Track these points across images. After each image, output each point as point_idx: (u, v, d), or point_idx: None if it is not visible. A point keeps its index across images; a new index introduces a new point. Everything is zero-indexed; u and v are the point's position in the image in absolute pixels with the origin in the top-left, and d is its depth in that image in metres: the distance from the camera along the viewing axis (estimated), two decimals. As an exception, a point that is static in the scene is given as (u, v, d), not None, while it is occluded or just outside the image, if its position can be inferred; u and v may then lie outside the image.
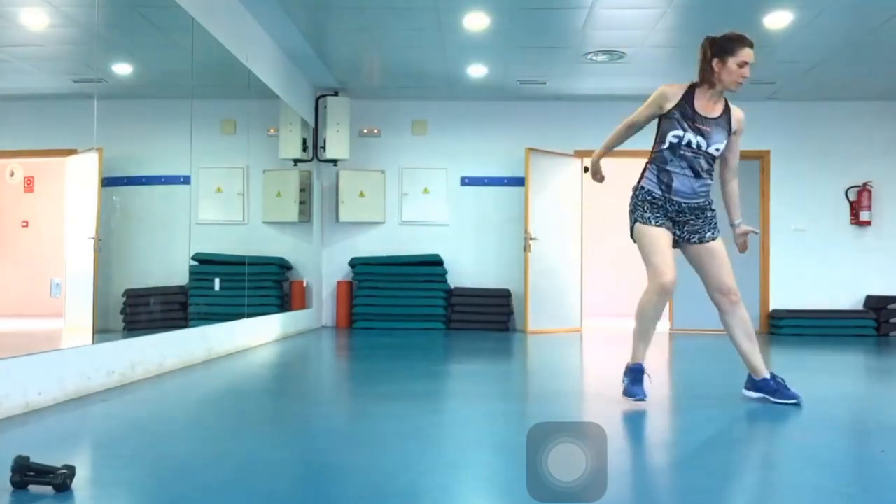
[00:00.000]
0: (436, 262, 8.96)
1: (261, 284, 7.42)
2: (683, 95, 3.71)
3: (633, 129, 3.90)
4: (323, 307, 9.29)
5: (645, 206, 3.75)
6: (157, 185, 5.60)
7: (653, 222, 3.71)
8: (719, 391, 4.50)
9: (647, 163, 3.82)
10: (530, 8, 6.27)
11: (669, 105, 3.72)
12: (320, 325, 9.18)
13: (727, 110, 3.75)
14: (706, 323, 9.13)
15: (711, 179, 3.78)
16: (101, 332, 4.66)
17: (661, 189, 3.72)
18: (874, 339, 8.43)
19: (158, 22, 5.33)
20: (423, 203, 9.31)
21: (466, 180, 9.25)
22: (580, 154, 9.10)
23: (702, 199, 3.77)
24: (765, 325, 9.13)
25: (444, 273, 8.96)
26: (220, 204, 6.85)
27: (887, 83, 8.33)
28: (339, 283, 9.17)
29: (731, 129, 3.75)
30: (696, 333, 8.86)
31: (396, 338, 7.64)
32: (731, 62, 3.63)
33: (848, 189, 9.14)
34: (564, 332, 8.72)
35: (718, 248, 3.82)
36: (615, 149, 4.02)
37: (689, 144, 3.66)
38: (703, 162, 3.69)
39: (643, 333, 3.83)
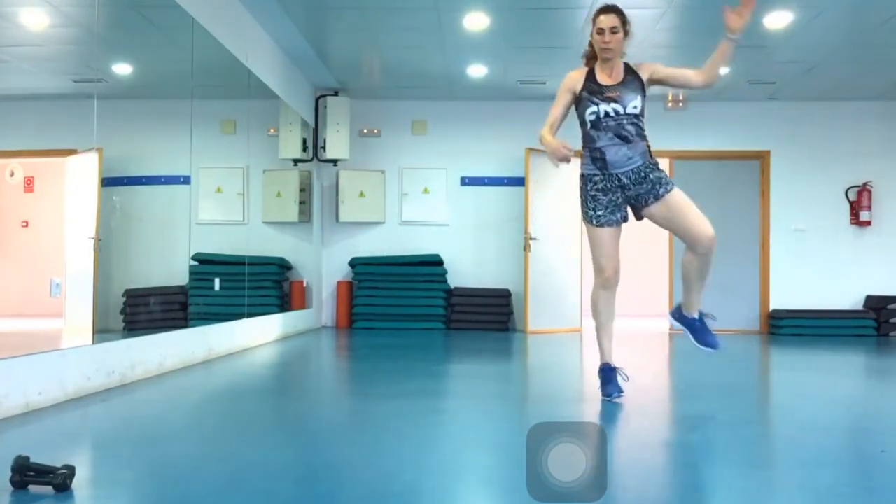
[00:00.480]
0: (436, 262, 8.96)
1: (261, 284, 7.42)
2: (587, 75, 3.83)
3: (556, 125, 3.91)
4: (323, 307, 9.29)
5: (588, 200, 3.83)
6: (157, 185, 5.60)
7: (594, 222, 3.81)
8: (719, 391, 4.50)
9: (582, 149, 3.89)
10: (530, 8, 6.27)
11: (578, 87, 3.82)
12: (320, 325, 9.18)
13: (630, 71, 3.83)
14: (706, 323, 9.17)
15: (644, 140, 3.79)
16: (101, 332, 4.66)
17: (597, 168, 3.80)
18: (874, 339, 8.43)
19: (158, 22, 5.33)
20: (423, 203, 9.31)
21: (466, 180, 9.25)
22: (580, 154, 9.08)
23: (639, 163, 3.77)
24: (765, 325, 9.13)
25: (444, 273, 8.96)
26: (220, 204, 6.85)
27: (887, 83, 8.33)
28: (339, 283, 9.17)
29: (643, 81, 3.82)
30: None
31: (396, 338, 7.64)
32: (594, 32, 3.78)
33: (848, 189, 9.14)
34: (564, 332, 8.72)
35: (676, 199, 3.76)
36: None
37: (607, 115, 3.75)
38: (627, 125, 3.75)
39: (601, 329, 3.92)
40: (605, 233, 3.81)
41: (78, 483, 2.25)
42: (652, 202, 3.76)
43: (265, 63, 7.00)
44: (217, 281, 6.38)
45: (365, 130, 9.35)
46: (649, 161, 3.78)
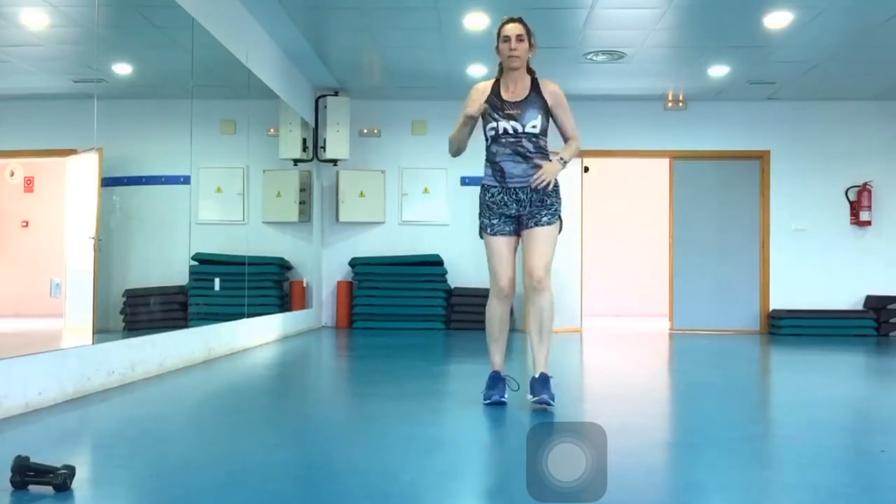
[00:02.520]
0: (436, 262, 8.96)
1: (261, 284, 7.42)
2: (491, 89, 3.79)
3: (463, 142, 3.90)
4: (323, 307, 9.29)
5: (484, 209, 3.81)
6: (157, 185, 5.59)
7: (489, 231, 3.80)
8: (718, 391, 4.50)
9: (485, 160, 3.85)
10: (530, 8, 6.26)
11: (484, 99, 3.77)
12: (320, 325, 9.18)
13: (535, 87, 3.76)
14: (706, 323, 9.17)
15: (546, 158, 3.74)
16: (101, 332, 4.66)
17: (496, 180, 3.76)
18: (874, 339, 8.43)
19: (158, 22, 5.33)
20: (423, 203, 9.31)
21: (466, 180, 9.25)
22: (580, 154, 9.10)
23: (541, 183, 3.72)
24: (765, 325, 9.13)
25: (444, 273, 8.96)
26: (220, 204, 6.85)
27: (887, 83, 8.33)
28: (339, 283, 9.17)
29: (545, 102, 3.75)
30: (696, 333, 8.87)
31: (396, 338, 7.64)
32: (500, 43, 3.75)
33: (848, 189, 9.14)
34: (564, 332, 8.71)
35: (543, 232, 3.74)
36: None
37: (505, 132, 3.71)
38: (526, 143, 3.71)
39: (494, 342, 3.89)
40: (501, 242, 3.79)
41: (78, 483, 2.24)
42: (531, 226, 3.75)
43: (265, 63, 7.00)
44: (217, 281, 6.38)
45: (365, 130, 9.35)
46: (555, 186, 3.75)
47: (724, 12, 6.28)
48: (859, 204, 9.04)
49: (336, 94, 9.00)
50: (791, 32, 6.68)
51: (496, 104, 3.74)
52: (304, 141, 8.58)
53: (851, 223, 9.14)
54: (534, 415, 3.56)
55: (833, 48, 7.14)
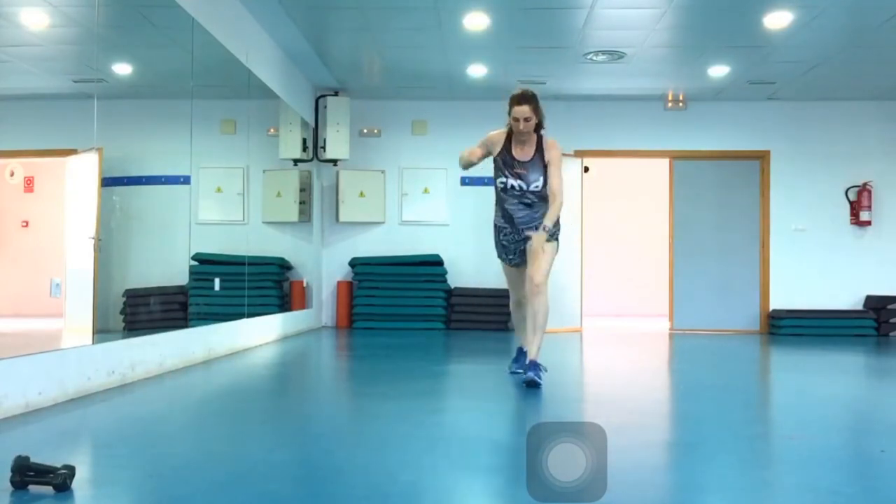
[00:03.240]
0: (436, 262, 8.96)
1: (261, 284, 7.42)
2: (504, 143, 4.41)
3: (476, 158, 4.49)
4: (323, 307, 9.29)
5: (500, 246, 4.61)
6: (157, 185, 5.59)
7: (510, 263, 4.63)
8: (718, 391, 4.50)
9: (496, 203, 4.58)
10: (530, 8, 6.27)
11: (496, 150, 4.43)
12: (320, 325, 9.18)
13: (539, 147, 4.38)
14: (706, 323, 9.17)
15: (545, 201, 4.40)
16: (101, 332, 4.66)
17: (505, 221, 4.51)
18: (874, 339, 8.43)
19: (158, 22, 5.33)
20: (423, 203, 9.31)
21: (466, 180, 9.24)
22: (580, 154, 9.10)
23: (540, 221, 4.41)
24: (765, 325, 9.13)
25: (444, 273, 8.96)
26: (220, 204, 6.85)
27: (887, 83, 8.33)
28: (339, 283, 9.17)
29: (545, 162, 4.37)
30: (696, 333, 8.86)
31: (396, 338, 7.64)
32: (510, 119, 4.35)
33: (848, 189, 9.14)
34: (564, 332, 8.71)
35: (541, 241, 4.34)
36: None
37: (513, 188, 4.39)
38: (530, 196, 4.40)
39: (517, 326, 4.88)
40: (515, 272, 4.64)
41: (78, 483, 2.25)
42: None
43: (265, 63, 7.00)
44: (217, 281, 6.38)
45: (365, 130, 9.35)
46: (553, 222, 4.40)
47: (724, 12, 6.27)
48: (859, 204, 9.04)
49: (336, 94, 9.00)
50: (791, 32, 6.68)
51: (508, 161, 4.38)
52: (304, 141, 8.58)
53: (851, 223, 9.14)
54: (534, 415, 3.56)
55: (833, 48, 7.14)
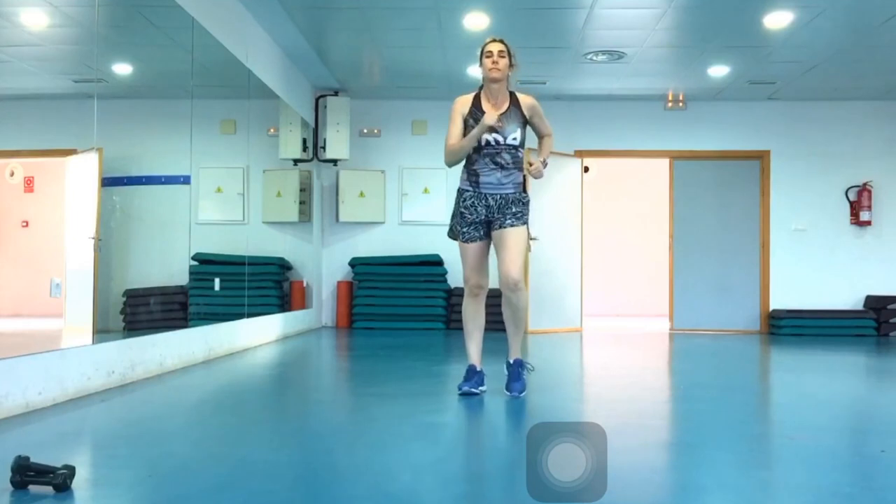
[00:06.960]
0: (436, 262, 8.96)
1: (261, 284, 7.42)
2: (472, 102, 4.05)
3: (465, 151, 4.05)
4: (323, 307, 9.28)
5: (457, 215, 4.06)
6: (157, 185, 5.59)
7: (461, 238, 4.06)
8: (718, 391, 4.50)
9: (463, 166, 4.11)
10: (530, 8, 6.27)
11: (465, 111, 4.04)
12: (320, 325, 9.18)
13: (514, 101, 4.04)
14: (706, 323, 9.18)
15: (518, 170, 4.01)
16: (101, 332, 4.66)
17: (471, 186, 4.02)
18: (874, 339, 8.43)
19: (158, 22, 5.33)
20: (423, 203, 9.31)
21: (466, 180, 9.24)
22: (580, 154, 9.11)
23: (510, 190, 3.99)
24: (765, 325, 9.13)
25: (444, 273, 8.96)
26: (220, 204, 6.85)
27: (887, 83, 8.33)
28: (339, 283, 9.17)
29: (524, 116, 4.03)
30: (696, 333, 8.86)
31: (396, 338, 7.64)
32: (483, 59, 4.02)
33: (848, 189, 9.14)
34: (565, 332, 8.71)
35: (512, 234, 3.97)
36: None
37: (487, 143, 3.95)
38: (505, 155, 3.97)
39: (469, 336, 4.17)
40: (471, 248, 4.07)
41: (78, 483, 2.25)
42: (497, 228, 4.00)
43: (265, 63, 7.00)
44: (217, 281, 6.38)
45: (365, 130, 9.35)
46: (520, 193, 4.02)
47: (724, 12, 6.27)
48: (859, 204, 9.04)
49: (336, 94, 9.00)
50: (791, 32, 6.68)
51: (478, 116, 3.97)
52: (304, 141, 8.58)
53: (851, 223, 9.14)
54: (535, 415, 3.56)
55: (833, 48, 7.14)
